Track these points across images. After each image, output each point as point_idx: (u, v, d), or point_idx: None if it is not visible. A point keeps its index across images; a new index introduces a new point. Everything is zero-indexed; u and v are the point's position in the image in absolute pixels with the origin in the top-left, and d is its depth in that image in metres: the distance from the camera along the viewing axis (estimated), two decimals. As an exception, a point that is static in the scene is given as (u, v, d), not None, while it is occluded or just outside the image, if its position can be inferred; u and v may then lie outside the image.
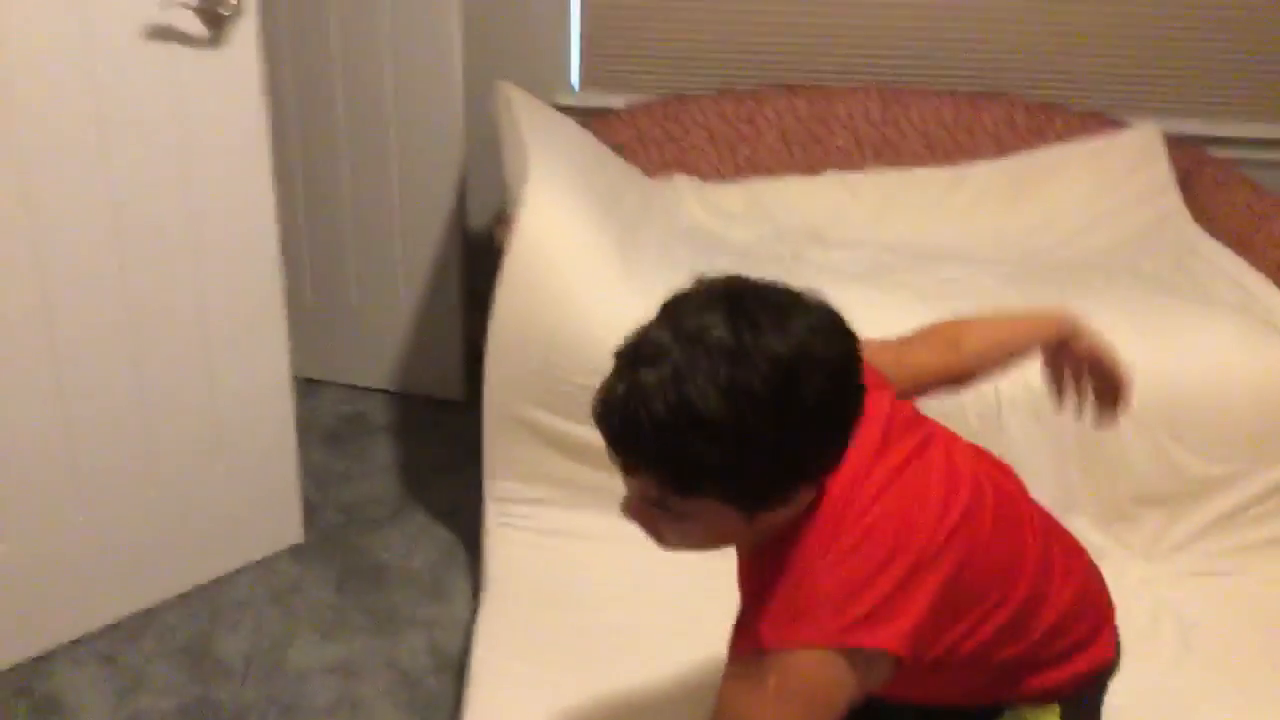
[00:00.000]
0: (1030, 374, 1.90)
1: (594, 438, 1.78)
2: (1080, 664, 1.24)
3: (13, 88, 1.46)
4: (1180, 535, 1.96)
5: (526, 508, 1.98)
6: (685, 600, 1.68)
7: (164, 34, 1.57)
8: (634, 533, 1.11)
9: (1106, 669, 1.30)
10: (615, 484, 1.87)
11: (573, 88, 2.73)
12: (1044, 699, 1.24)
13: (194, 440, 1.82)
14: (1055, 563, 1.24)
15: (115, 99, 1.55)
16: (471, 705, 1.53)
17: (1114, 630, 1.32)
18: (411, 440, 2.44)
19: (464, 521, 2.13)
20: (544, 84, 2.62)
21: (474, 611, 1.75)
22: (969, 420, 1.91)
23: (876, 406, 1.12)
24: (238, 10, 1.59)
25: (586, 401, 1.98)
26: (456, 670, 1.72)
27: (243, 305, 1.81)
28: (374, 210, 2.48)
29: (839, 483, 1.08)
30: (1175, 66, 2.65)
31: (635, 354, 1.00)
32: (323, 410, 2.49)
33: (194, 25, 1.58)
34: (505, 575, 1.82)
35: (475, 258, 2.64)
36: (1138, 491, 1.96)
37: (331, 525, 2.11)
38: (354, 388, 2.62)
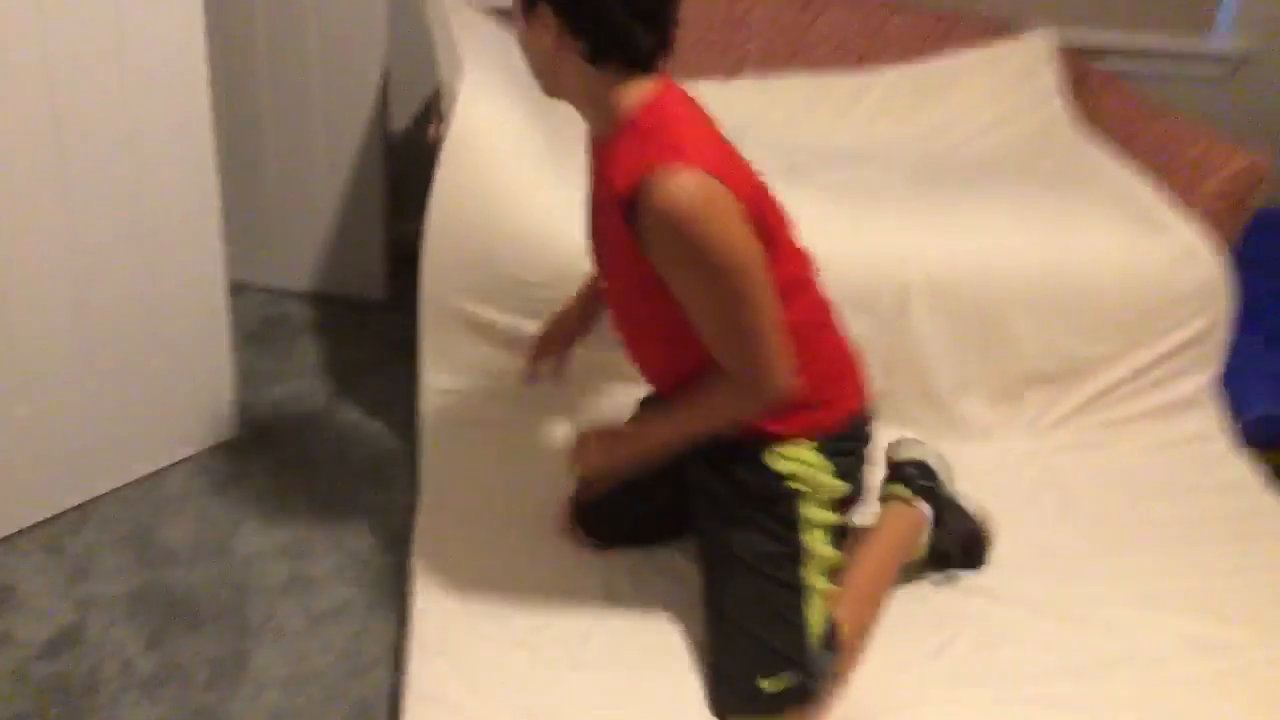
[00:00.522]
0: (932, 267, 2.06)
1: (529, 329, 1.90)
2: (830, 411, 1.53)
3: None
4: (1061, 412, 2.15)
5: (461, 399, 2.05)
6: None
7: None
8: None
9: (857, 420, 1.56)
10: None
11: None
12: (803, 435, 1.51)
13: (131, 337, 1.83)
14: (826, 300, 1.55)
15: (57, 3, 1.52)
16: (420, 578, 1.63)
17: (862, 393, 1.58)
18: (336, 340, 2.47)
19: (395, 416, 2.18)
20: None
21: (414, 499, 1.83)
22: (878, 307, 2.05)
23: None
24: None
25: (522, 293, 2.06)
26: (403, 549, 1.80)
27: (180, 206, 1.81)
28: (294, 112, 2.46)
29: (668, 108, 1.34)
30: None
31: None
32: (246, 312, 2.48)
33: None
34: (442, 464, 1.90)
35: (396, 158, 2.65)
36: (1025, 371, 2.14)
37: (263, 421, 2.14)
38: (276, 290, 2.61)
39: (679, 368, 1.48)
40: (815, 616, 1.49)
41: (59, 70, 1.58)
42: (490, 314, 1.96)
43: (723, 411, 1.45)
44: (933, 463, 1.79)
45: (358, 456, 2.07)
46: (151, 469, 1.95)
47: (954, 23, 2.72)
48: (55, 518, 1.83)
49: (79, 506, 1.85)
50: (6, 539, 1.77)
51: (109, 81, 1.64)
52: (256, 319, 2.50)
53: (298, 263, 2.61)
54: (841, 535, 1.58)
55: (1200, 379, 2.18)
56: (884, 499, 1.74)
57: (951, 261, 2.08)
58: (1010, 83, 2.67)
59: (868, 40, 2.70)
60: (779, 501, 1.51)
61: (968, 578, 1.76)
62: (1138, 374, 2.16)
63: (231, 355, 2.03)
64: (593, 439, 1.57)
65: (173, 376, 1.93)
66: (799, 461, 1.50)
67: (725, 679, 1.50)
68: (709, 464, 1.54)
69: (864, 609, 1.59)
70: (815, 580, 1.51)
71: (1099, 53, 2.83)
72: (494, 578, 1.66)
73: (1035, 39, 2.70)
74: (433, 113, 2.17)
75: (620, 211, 1.33)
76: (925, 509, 1.73)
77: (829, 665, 1.49)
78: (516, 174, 1.90)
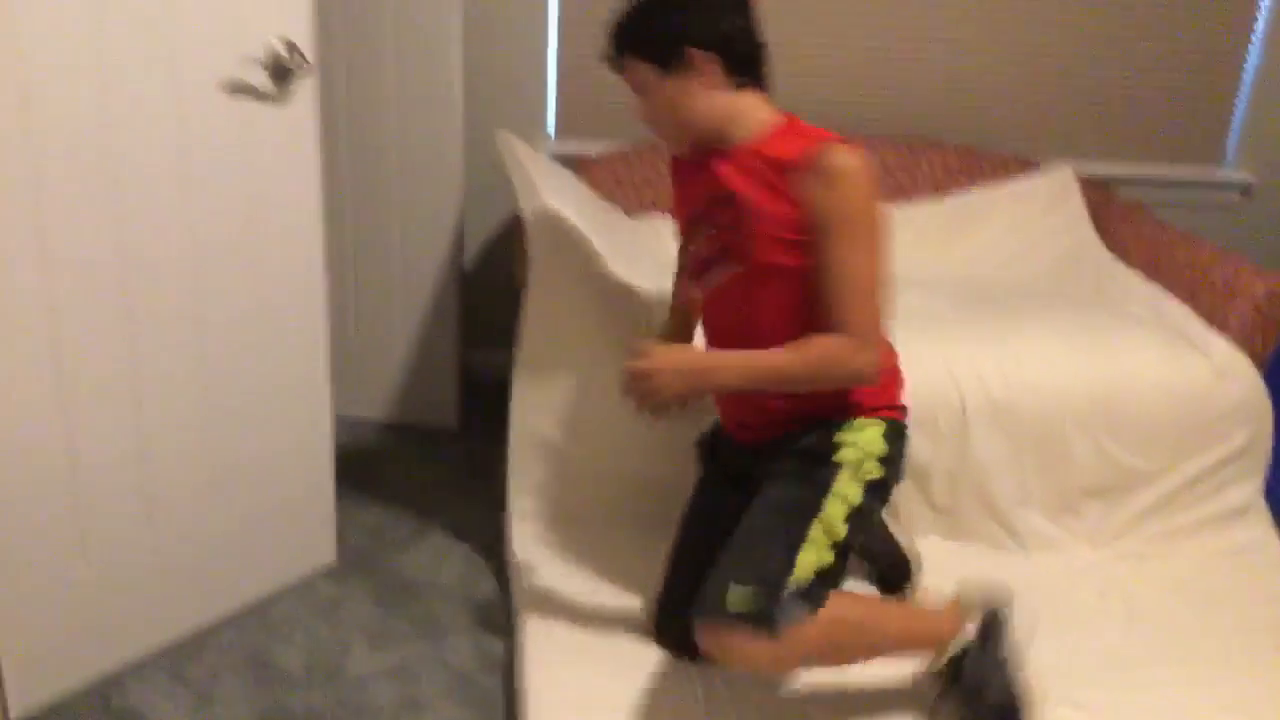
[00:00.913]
0: (987, 388, 2.19)
1: (609, 458, 2.06)
2: (896, 397, 1.76)
3: (107, 136, 1.58)
4: (1119, 523, 2.25)
5: (545, 524, 2.15)
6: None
7: (238, 88, 1.71)
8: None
9: (904, 415, 1.78)
10: (624, 502, 2.11)
11: (549, 135, 2.93)
12: (883, 410, 1.72)
13: (247, 469, 1.94)
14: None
15: (194, 148, 1.69)
16: (530, 699, 1.70)
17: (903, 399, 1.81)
18: (415, 467, 2.57)
19: (481, 537, 2.27)
20: (522, 134, 2.81)
21: (508, 617, 1.90)
22: (939, 427, 2.17)
23: None
24: (304, 67, 1.74)
25: (604, 424, 2.17)
26: (505, 669, 1.87)
27: (293, 344, 1.94)
28: (376, 256, 2.63)
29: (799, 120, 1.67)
30: (1085, 115, 3.03)
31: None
32: (328, 441, 2.59)
33: (264, 81, 1.73)
34: (537, 584, 1.99)
35: (467, 290, 2.81)
36: (1082, 485, 2.24)
37: (359, 547, 2.23)
38: (355, 420, 2.73)
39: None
40: (805, 564, 1.57)
41: (196, 215, 1.73)
42: (573, 444, 2.08)
43: (830, 364, 1.57)
44: (1005, 620, 1.72)
45: (449, 578, 2.15)
46: (261, 595, 2.03)
47: (979, 159, 2.93)
48: (175, 643, 1.90)
49: (196, 632, 1.93)
50: (135, 665, 1.84)
51: (242, 264, 1.81)
52: (339, 449, 2.60)
53: (377, 394, 2.74)
54: (860, 521, 1.65)
55: (1248, 489, 2.29)
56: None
57: (1005, 382, 2.20)
58: (1040, 212, 2.86)
59: (900, 176, 2.90)
60: (823, 468, 1.66)
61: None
62: (1188, 485, 2.27)
63: (333, 486, 2.13)
64: (664, 365, 1.54)
65: (281, 506, 2.03)
66: (860, 440, 1.68)
67: (709, 583, 1.56)
68: (785, 439, 1.71)
69: (841, 629, 1.59)
70: (819, 538, 1.60)
71: (1117, 182, 3.04)
72: (599, 693, 1.73)
73: (1058, 171, 2.91)
74: (515, 251, 2.32)
75: (781, 176, 1.59)
76: (969, 626, 1.68)
77: (795, 613, 1.52)
78: (600, 295, 2.05)
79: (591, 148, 2.88)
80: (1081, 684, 1.82)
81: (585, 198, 2.40)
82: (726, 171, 1.66)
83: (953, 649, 1.69)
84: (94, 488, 1.72)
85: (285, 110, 1.79)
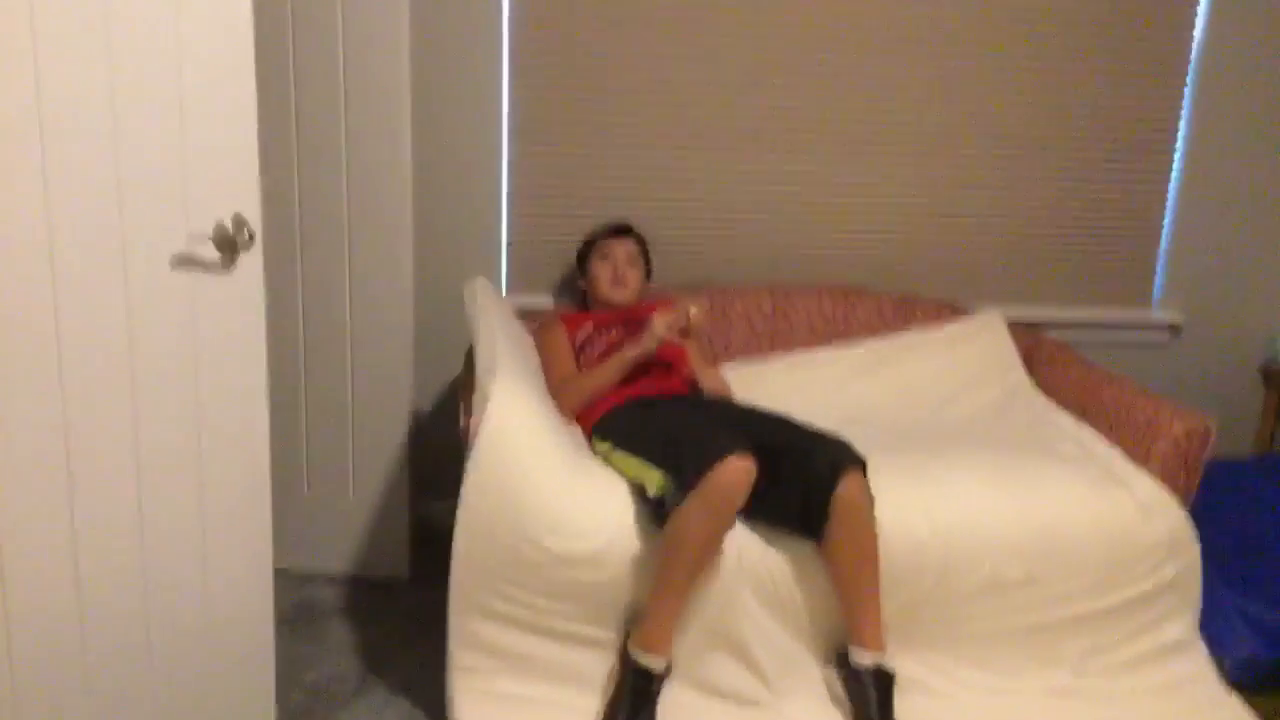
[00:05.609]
0: (921, 528, 2.24)
1: (554, 614, 2.10)
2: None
3: (55, 311, 1.67)
4: (1058, 660, 2.27)
5: (487, 678, 2.15)
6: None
7: (187, 262, 1.81)
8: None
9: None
10: (568, 657, 2.14)
11: (501, 291, 3.05)
12: None
13: (186, 631, 1.95)
14: None
15: (141, 321, 1.77)
16: None
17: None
18: (364, 620, 2.58)
19: (425, 692, 2.27)
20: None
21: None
22: (925, 581, 2.23)
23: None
24: (250, 241, 1.85)
25: (543, 581, 2.21)
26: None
27: (235, 507, 1.98)
28: (330, 406, 2.70)
29: None
30: (1015, 264, 3.19)
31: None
32: (278, 598, 2.59)
33: (212, 255, 1.84)
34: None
35: (419, 439, 2.87)
36: (1016, 625, 2.27)
37: (301, 707, 2.22)
38: (305, 574, 2.75)
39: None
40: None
41: (142, 386, 1.81)
42: (515, 601, 2.11)
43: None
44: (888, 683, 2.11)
45: (392, 736, 2.14)
46: (195, 758, 2.01)
47: (913, 306, 3.06)
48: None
49: (128, 800, 1.90)
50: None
51: (185, 429, 1.86)
52: (287, 603, 2.61)
53: (330, 548, 2.76)
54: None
55: (1183, 623, 2.32)
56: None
57: (934, 524, 2.25)
58: (973, 355, 2.97)
59: (837, 324, 3.02)
60: None
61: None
62: (1123, 619, 2.30)
63: (273, 648, 2.14)
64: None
65: (221, 669, 2.03)
66: None
67: (835, 445, 2.22)
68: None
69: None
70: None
71: (1050, 325, 3.17)
72: None
73: (989, 315, 3.03)
74: (461, 403, 2.40)
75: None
76: None
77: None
78: (543, 470, 2.11)
79: (543, 300, 3.01)
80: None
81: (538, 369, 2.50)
82: (635, 320, 2.57)
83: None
84: (29, 651, 1.73)
85: (233, 281, 1.88)
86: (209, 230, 1.83)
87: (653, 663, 2.05)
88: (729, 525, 2.09)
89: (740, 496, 2.03)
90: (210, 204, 1.82)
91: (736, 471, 2.01)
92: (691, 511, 2.02)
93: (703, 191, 3.04)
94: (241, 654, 2.07)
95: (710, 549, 2.07)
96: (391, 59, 2.53)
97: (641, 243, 2.84)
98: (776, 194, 3.07)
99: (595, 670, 2.13)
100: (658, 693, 2.06)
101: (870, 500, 2.17)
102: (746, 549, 2.16)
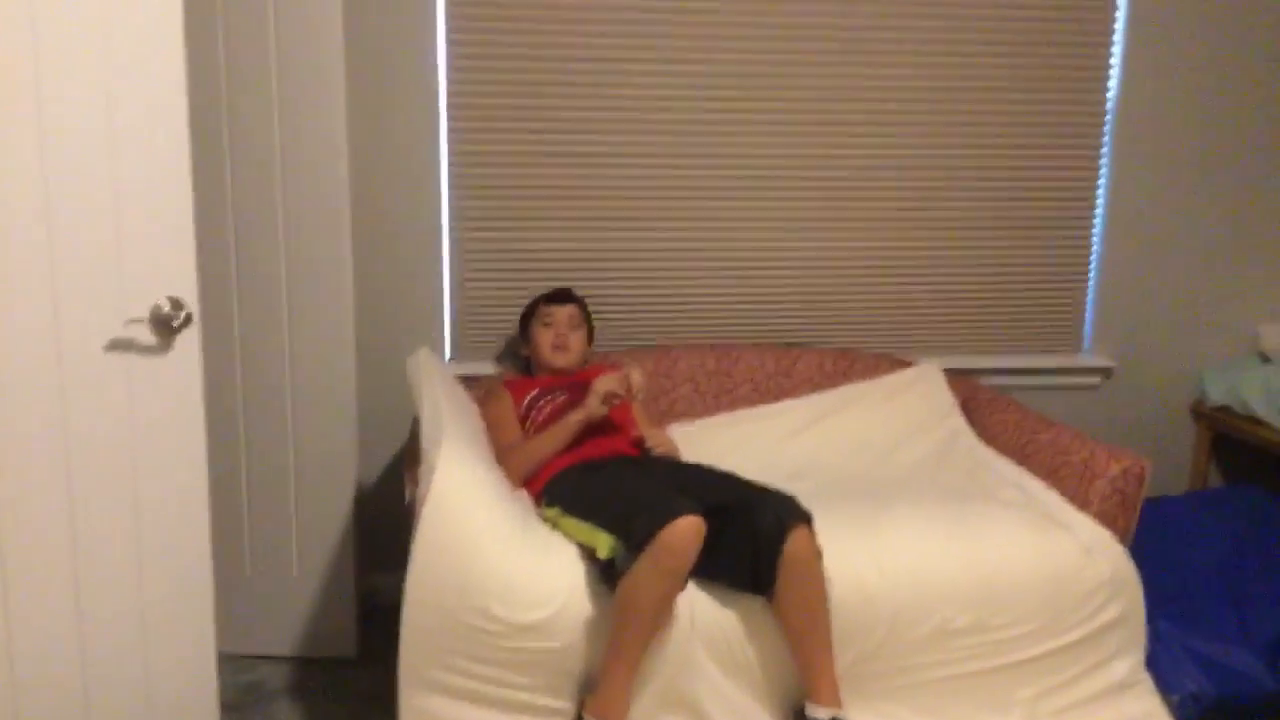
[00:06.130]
0: (866, 577, 2.25)
1: (506, 685, 2.08)
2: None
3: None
4: (1020, 701, 2.29)
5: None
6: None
7: (122, 345, 1.80)
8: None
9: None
10: None
11: (445, 359, 3.05)
12: None
13: (128, 718, 1.89)
14: None
15: (76, 406, 1.75)
16: None
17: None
18: (311, 702, 2.52)
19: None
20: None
21: None
22: (876, 632, 2.23)
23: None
24: (188, 322, 1.84)
25: (494, 651, 2.18)
26: None
27: (175, 593, 1.94)
28: (271, 484, 2.66)
29: None
30: (950, 316, 3.27)
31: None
32: (222, 681, 2.53)
33: (148, 336, 1.82)
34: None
35: (364, 511, 2.83)
36: (964, 671, 2.27)
37: (247, 795, 2.15)
38: (250, 656, 2.68)
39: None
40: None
41: (78, 473, 1.77)
42: (464, 674, 2.07)
43: None
44: None
45: (344, 822, 2.08)
46: None
47: (853, 359, 3.12)
48: None
49: None
50: None
51: (123, 510, 1.84)
52: (232, 688, 2.54)
53: (274, 630, 2.70)
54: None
55: (1130, 661, 2.35)
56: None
57: (880, 572, 2.26)
58: (913, 405, 3.02)
59: (779, 379, 3.06)
60: None
61: None
62: (1071, 660, 2.32)
63: (218, 729, 2.08)
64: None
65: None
66: None
67: (778, 500, 2.23)
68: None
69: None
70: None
71: (985, 373, 3.25)
72: None
73: (927, 366, 3.10)
74: (407, 475, 2.38)
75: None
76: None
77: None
78: (489, 541, 2.09)
79: (487, 367, 3.01)
80: None
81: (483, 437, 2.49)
82: (580, 385, 2.60)
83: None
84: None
85: (169, 363, 1.87)
86: (145, 313, 1.82)
87: None
88: (680, 586, 2.09)
89: (691, 556, 2.04)
90: (146, 286, 1.81)
91: (686, 532, 2.02)
92: (642, 573, 2.02)
93: (644, 254, 3.09)
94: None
95: (663, 610, 2.07)
96: (328, 133, 2.55)
97: (583, 306, 2.87)
98: (717, 254, 3.12)
99: (551, 741, 2.10)
100: None
101: (818, 554, 2.18)
102: (699, 608, 2.16)
